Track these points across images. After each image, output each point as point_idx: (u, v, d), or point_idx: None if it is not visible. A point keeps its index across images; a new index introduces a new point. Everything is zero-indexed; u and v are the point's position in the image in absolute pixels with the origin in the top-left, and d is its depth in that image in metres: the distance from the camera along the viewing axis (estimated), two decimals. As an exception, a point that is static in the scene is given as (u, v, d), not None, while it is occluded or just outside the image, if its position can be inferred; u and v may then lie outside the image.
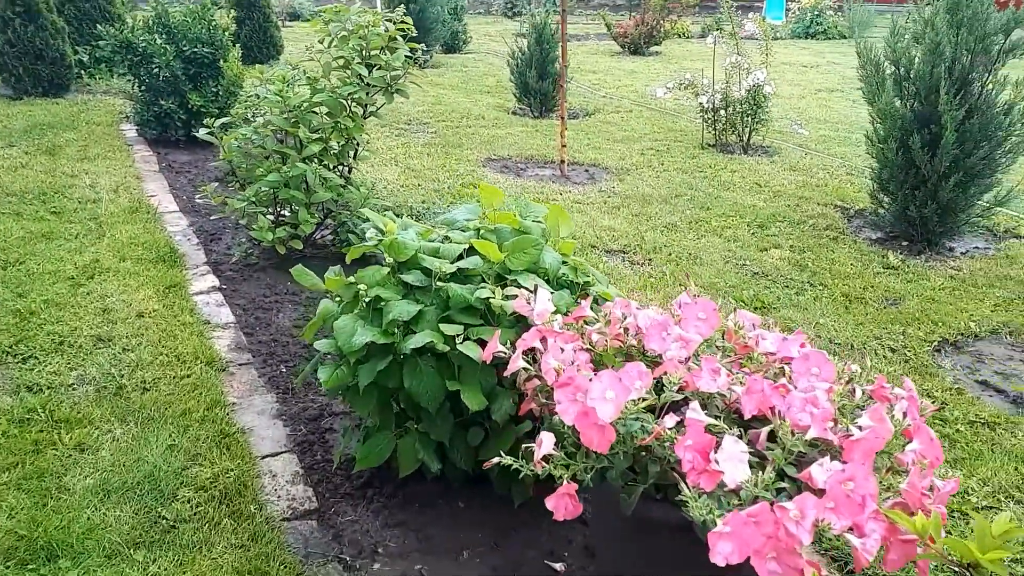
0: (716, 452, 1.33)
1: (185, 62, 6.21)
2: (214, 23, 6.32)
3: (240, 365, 3.19)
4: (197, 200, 5.02)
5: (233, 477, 2.47)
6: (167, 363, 3.12)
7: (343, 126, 4.03)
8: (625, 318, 1.81)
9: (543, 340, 1.87)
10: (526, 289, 2.18)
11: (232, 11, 7.26)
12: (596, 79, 11.17)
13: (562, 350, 1.76)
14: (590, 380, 1.48)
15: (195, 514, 2.31)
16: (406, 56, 4.05)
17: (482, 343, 2.10)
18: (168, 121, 6.31)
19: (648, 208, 5.33)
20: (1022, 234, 5.11)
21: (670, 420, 1.38)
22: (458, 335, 2.10)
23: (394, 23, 4.05)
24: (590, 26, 18.25)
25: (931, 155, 4.47)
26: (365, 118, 4.19)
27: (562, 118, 6.10)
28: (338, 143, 4.14)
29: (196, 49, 6.20)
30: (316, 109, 4.00)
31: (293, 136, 3.96)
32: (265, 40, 10.23)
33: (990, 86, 4.41)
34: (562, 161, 6.16)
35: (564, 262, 2.40)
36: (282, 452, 2.66)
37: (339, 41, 4.02)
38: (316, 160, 4.01)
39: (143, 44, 6.02)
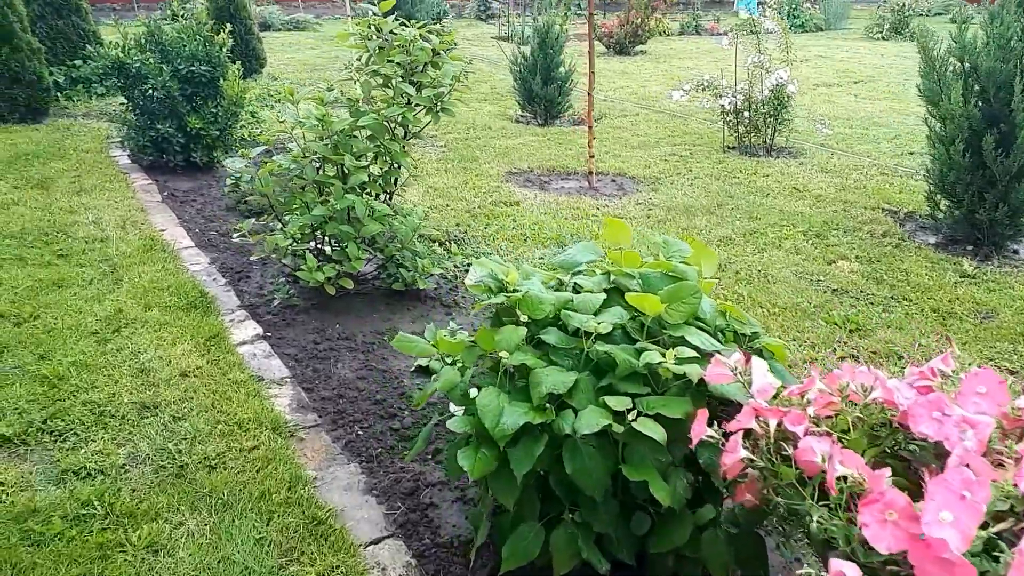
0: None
1: (182, 82, 5.77)
2: (210, 39, 5.88)
3: (308, 428, 2.82)
4: (233, 236, 4.58)
5: (340, 576, 2.12)
6: (228, 432, 2.73)
7: (387, 150, 3.67)
8: (868, 391, 1.50)
9: (759, 419, 1.55)
10: (693, 349, 1.86)
11: (216, 24, 6.77)
12: (591, 82, 10.85)
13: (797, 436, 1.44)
14: (904, 494, 1.17)
15: (309, 630, 1.95)
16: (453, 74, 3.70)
17: (658, 417, 1.78)
18: (166, 146, 5.85)
19: (695, 220, 5.04)
20: (1082, 232, 4.92)
21: (1039, 551, 1.07)
22: (628, 409, 1.78)
23: (438, 35, 3.71)
24: (568, 26, 17.96)
25: (1003, 156, 4.24)
26: (407, 139, 3.84)
27: (590, 127, 5.79)
28: (380, 169, 3.78)
29: (193, 67, 5.75)
30: (356, 133, 3.64)
31: (336, 164, 3.58)
32: (248, 53, 9.77)
33: (1062, 81, 4.18)
34: (590, 172, 5.85)
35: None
36: (385, 537, 2.30)
37: (378, 57, 3.66)
38: (360, 189, 3.64)
39: (136, 64, 5.57)
